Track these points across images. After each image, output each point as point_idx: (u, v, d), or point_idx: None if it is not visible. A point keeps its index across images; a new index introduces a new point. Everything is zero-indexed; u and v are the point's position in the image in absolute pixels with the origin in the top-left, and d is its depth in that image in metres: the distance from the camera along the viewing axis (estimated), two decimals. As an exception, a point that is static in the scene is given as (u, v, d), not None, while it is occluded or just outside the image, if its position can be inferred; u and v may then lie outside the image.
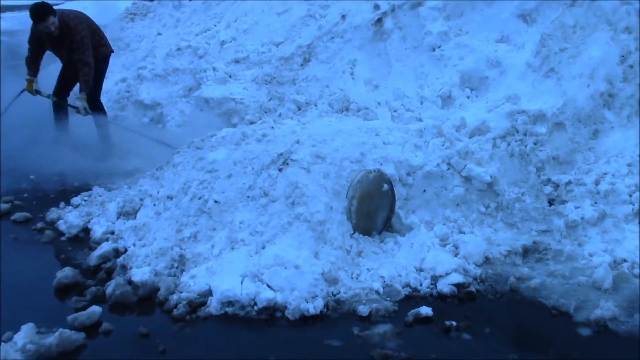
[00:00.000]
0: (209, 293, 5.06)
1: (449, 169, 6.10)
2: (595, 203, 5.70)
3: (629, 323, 4.57)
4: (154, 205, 6.16)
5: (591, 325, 4.58)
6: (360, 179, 5.72)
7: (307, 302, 4.89)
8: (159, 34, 11.20)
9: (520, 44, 7.27)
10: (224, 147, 6.35)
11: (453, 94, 7.22)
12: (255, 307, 4.91)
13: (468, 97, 7.24)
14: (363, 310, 4.85)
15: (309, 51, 8.72)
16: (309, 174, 5.78)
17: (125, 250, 5.78)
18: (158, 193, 6.24)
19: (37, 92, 8.13)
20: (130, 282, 5.26)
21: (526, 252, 5.52)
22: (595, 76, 6.41)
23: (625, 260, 5.19)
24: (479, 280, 5.21)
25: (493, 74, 7.21)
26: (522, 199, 5.88)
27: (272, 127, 6.54)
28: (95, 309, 4.88)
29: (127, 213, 6.33)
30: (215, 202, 5.73)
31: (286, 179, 5.74)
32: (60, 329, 4.54)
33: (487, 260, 5.45)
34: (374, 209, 5.78)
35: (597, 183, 5.81)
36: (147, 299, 5.19)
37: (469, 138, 6.42)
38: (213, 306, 4.93)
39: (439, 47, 7.74)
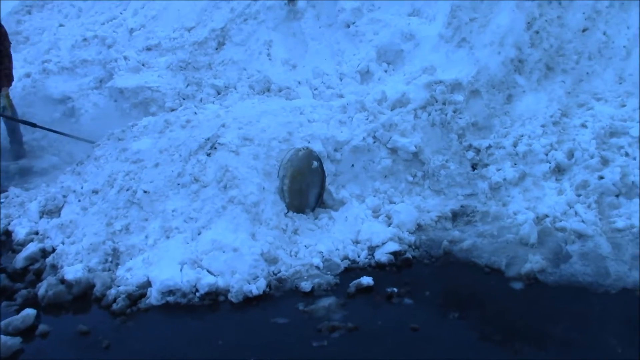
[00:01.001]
0: (148, 284, 4.97)
1: (374, 142, 6.23)
2: (515, 164, 5.98)
3: (556, 273, 4.85)
4: (79, 201, 5.96)
5: (522, 279, 4.84)
6: (290, 158, 5.75)
7: (249, 284, 4.90)
8: (61, 25, 10.74)
9: (432, 16, 7.46)
10: (147, 137, 6.21)
11: (371, 68, 7.34)
12: (197, 294, 4.87)
13: (386, 71, 7.38)
14: (305, 286, 4.90)
15: (222, 34, 8.61)
16: (238, 156, 5.76)
17: (53, 250, 5.58)
18: (82, 188, 6.05)
19: None
20: (63, 281, 5.09)
21: (455, 216, 5.73)
22: (504, 43, 6.69)
23: (547, 216, 5.48)
24: (413, 247, 5.38)
25: (408, 46, 7.37)
26: (447, 165, 6.09)
27: (195, 113, 6.45)
28: (29, 311, 4.70)
29: (50, 211, 6.09)
30: (145, 192, 5.61)
31: (216, 164, 5.69)
32: (-5, 336, 4.35)
33: (419, 227, 5.62)
34: (306, 187, 5.83)
35: (515, 145, 6.09)
36: (82, 297, 5.04)
37: (391, 111, 6.55)
38: (153, 297, 4.85)
39: (353, 23, 7.83)
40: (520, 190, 5.80)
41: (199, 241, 5.20)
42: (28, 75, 9.49)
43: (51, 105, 9.05)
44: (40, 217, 6.09)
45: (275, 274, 5.07)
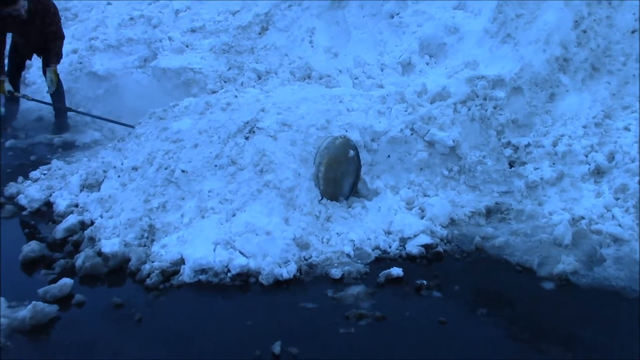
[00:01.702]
0: (182, 262, 5.07)
1: (412, 134, 6.22)
2: (554, 164, 5.91)
3: (589, 276, 4.81)
4: (119, 176, 6.09)
5: (554, 280, 4.79)
6: (327, 146, 5.78)
7: (280, 267, 4.96)
8: (109, 3, 10.89)
9: (477, 11, 7.39)
10: (187, 117, 6.30)
11: (413, 60, 7.32)
12: (229, 274, 4.95)
13: (427, 64, 7.35)
14: (336, 273, 4.95)
15: (266, 19, 8.68)
16: (275, 141, 5.81)
17: (92, 223, 5.72)
18: (122, 164, 6.17)
19: (10, 93, 7.94)
20: (100, 254, 5.22)
21: (489, 212, 5.71)
22: (550, 41, 6.59)
23: (582, 218, 5.42)
24: (445, 241, 5.37)
25: (451, 40, 7.32)
26: (484, 161, 6.05)
27: (236, 96, 6.51)
28: (67, 281, 4.83)
29: (90, 185, 6.24)
30: (183, 171, 5.70)
31: (253, 147, 5.75)
32: (33, 302, 4.49)
33: (452, 221, 5.61)
34: (341, 175, 5.86)
35: (554, 145, 6.02)
36: (117, 270, 5.16)
37: (431, 104, 6.53)
38: (186, 274, 4.94)
39: (397, 14, 7.81)
40: (557, 191, 5.74)
41: (233, 223, 5.28)
42: (75, 52, 9.68)
43: (96, 82, 9.25)
44: (81, 190, 6.24)
45: (306, 259, 5.12)
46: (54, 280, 4.93)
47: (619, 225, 5.30)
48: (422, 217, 5.61)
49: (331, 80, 7.27)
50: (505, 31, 6.89)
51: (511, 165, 6.06)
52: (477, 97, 6.43)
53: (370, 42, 7.90)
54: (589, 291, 4.66)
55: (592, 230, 5.27)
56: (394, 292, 4.75)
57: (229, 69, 8.24)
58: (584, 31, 6.56)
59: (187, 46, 8.82)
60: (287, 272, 4.92)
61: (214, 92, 7.29)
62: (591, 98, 6.31)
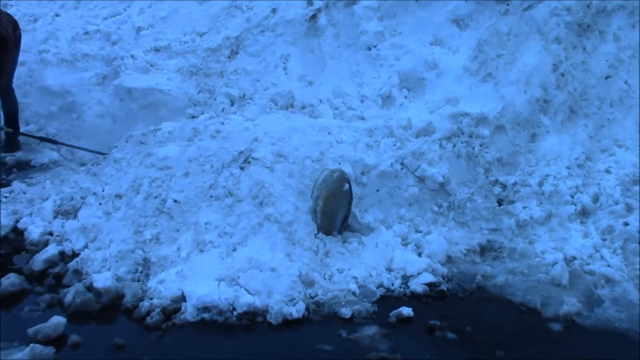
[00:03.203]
0: (182, 299, 4.83)
1: (402, 168, 6.22)
2: (541, 203, 6.06)
3: (592, 317, 4.93)
4: (100, 204, 5.76)
5: (560, 321, 4.88)
6: (325, 179, 5.69)
7: (288, 306, 4.80)
8: (57, 15, 10.37)
9: (455, 48, 7.52)
10: (174, 143, 6.05)
11: (393, 93, 7.35)
12: (235, 312, 4.75)
13: (406, 98, 7.39)
14: (345, 312, 4.84)
15: (237, 43, 8.50)
16: (272, 173, 5.68)
17: (74, 254, 5.38)
18: (103, 191, 5.84)
19: None
20: (90, 289, 4.88)
21: (483, 250, 5.77)
22: (531, 82, 6.80)
23: (574, 258, 5.56)
24: (446, 279, 5.38)
25: (430, 75, 7.41)
26: (473, 198, 6.13)
27: (222, 123, 6.32)
28: (60, 319, 4.50)
29: (66, 212, 5.87)
30: (175, 201, 5.46)
31: (250, 178, 5.59)
32: (31, 345, 4.14)
33: (449, 259, 5.63)
34: (335, 209, 5.78)
35: (540, 184, 6.18)
36: (110, 307, 4.86)
37: (416, 138, 6.57)
38: (189, 312, 4.71)
39: (375, 46, 7.83)
40: (547, 230, 5.88)
41: (235, 258, 5.09)
42: (23, 64, 9.10)
43: (48, 97, 8.72)
44: (55, 217, 5.86)
45: (312, 297, 4.99)
46: (42, 318, 4.58)
47: (609, 265, 5.47)
48: (419, 254, 5.59)
49: (314, 110, 7.18)
50: (486, 70, 7.05)
51: (500, 203, 6.17)
52: (463, 134, 6.52)
53: (347, 72, 7.88)
54: (595, 332, 4.77)
55: (585, 271, 5.41)
56: (407, 333, 4.70)
57: (199, 92, 7.98)
58: (562, 74, 6.81)
59: (151, 65, 8.49)
60: (296, 311, 4.78)
61: (193, 117, 7.06)
62: (571, 140, 6.54)
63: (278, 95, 7.31)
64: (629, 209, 5.83)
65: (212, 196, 5.47)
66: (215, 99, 7.86)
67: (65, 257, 5.38)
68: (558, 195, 6.05)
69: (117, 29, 9.33)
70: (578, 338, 4.70)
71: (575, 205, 5.98)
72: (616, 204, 5.88)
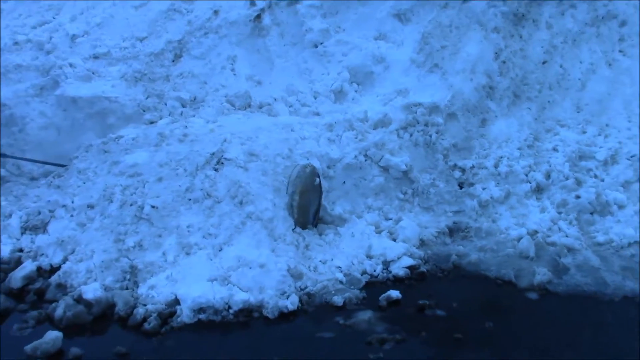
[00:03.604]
0: (176, 302, 4.85)
1: (366, 160, 6.44)
2: (499, 184, 6.43)
3: (563, 284, 5.32)
4: (71, 216, 5.66)
5: (535, 290, 5.24)
6: (299, 174, 5.82)
7: (282, 299, 4.90)
8: (-23, 24, 9.94)
9: (399, 42, 7.81)
10: (141, 150, 6.01)
11: (344, 88, 7.54)
12: (231, 311, 4.82)
13: (356, 91, 7.60)
14: (337, 300, 5.00)
15: (180, 47, 8.44)
16: (247, 172, 5.76)
17: (52, 268, 5.28)
18: (73, 202, 5.72)
19: None
20: (78, 301, 4.81)
21: (451, 232, 6.07)
22: (475, 71, 7.18)
23: (536, 232, 5.95)
24: (424, 261, 5.63)
25: (378, 69, 7.66)
26: (436, 184, 6.43)
27: (186, 127, 6.32)
28: (56, 334, 4.44)
29: (34, 227, 5.73)
30: (153, 207, 5.44)
31: (226, 179, 5.65)
32: (40, 364, 4.06)
33: (422, 242, 5.89)
34: (309, 203, 5.92)
35: (496, 166, 6.55)
36: (102, 317, 4.81)
37: (374, 130, 6.80)
38: (185, 315, 4.74)
39: (321, 43, 8.00)
40: (507, 208, 6.25)
41: (223, 257, 5.15)
42: (-52, 77, 8.69)
43: (-19, 110, 8.36)
44: (22, 233, 5.70)
45: (303, 289, 5.12)
46: (33, 335, 4.49)
47: (567, 236, 5.89)
48: (394, 240, 5.81)
49: (272, 109, 7.26)
50: (432, 61, 7.37)
51: (460, 186, 6.49)
52: (418, 123, 6.80)
53: (295, 70, 8.00)
54: (567, 297, 5.15)
55: (547, 243, 5.80)
56: (400, 314, 4.91)
57: (147, 97, 7.88)
58: (504, 62, 7.23)
59: (93, 73, 8.30)
60: (291, 303, 4.90)
61: (152, 122, 6.99)
62: (517, 122, 6.96)
63: (234, 96, 7.35)
64: (579, 182, 6.29)
65: (190, 199, 5.48)
66: (165, 104, 7.78)
67: (43, 272, 5.27)
68: (513, 175, 6.43)
69: (49, 37, 9.03)
70: (554, 304, 5.06)
71: (530, 183, 6.38)
72: (566, 179, 6.33)
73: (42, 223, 5.71)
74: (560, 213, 6.13)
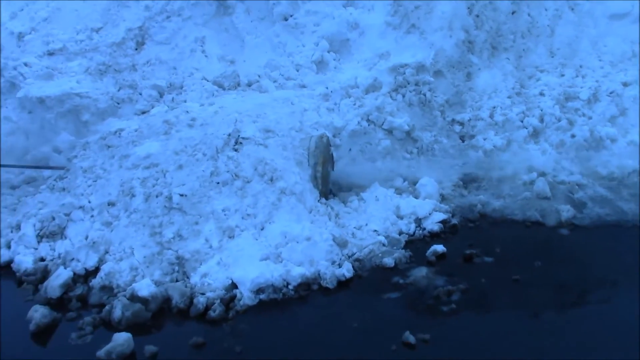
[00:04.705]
0: (234, 286, 4.78)
1: (369, 124, 6.48)
2: (497, 133, 6.65)
3: (586, 218, 5.64)
4: (92, 216, 5.39)
5: (564, 226, 5.53)
6: (317, 145, 5.80)
7: (337, 268, 4.92)
8: None
9: (369, 6, 7.84)
10: (150, 140, 5.80)
11: (325, 58, 7.51)
12: (290, 287, 4.79)
13: (335, 60, 7.60)
14: (389, 262, 5.08)
15: (141, 34, 8.11)
16: (267, 149, 5.69)
17: (87, 272, 5.04)
18: (90, 203, 5.46)
19: None
20: (132, 299, 4.64)
21: (465, 183, 6.24)
22: (453, 27, 7.34)
23: (544, 173, 6.22)
24: (452, 214, 5.77)
25: (354, 35, 7.68)
26: (439, 140, 6.59)
27: (187, 112, 6.14)
28: (127, 335, 4.29)
29: (52, 234, 5.43)
30: (182, 195, 5.27)
31: (250, 158, 5.56)
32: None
33: (442, 197, 6.03)
34: (327, 173, 5.94)
35: (491, 116, 6.76)
36: (159, 313, 4.67)
37: (366, 94, 6.85)
38: (247, 297, 4.68)
39: (291, 15, 7.91)
40: (510, 155, 6.48)
41: (268, 236, 5.10)
42: None
43: None
44: (39, 242, 5.40)
45: (351, 256, 5.15)
46: (95, 340, 4.31)
47: (572, 173, 6.20)
48: (417, 198, 5.92)
49: (261, 86, 7.14)
50: (409, 22, 7.46)
51: (462, 139, 6.67)
52: (409, 83, 6.91)
53: (268, 45, 7.89)
54: (595, 229, 5.48)
55: (557, 182, 6.09)
56: (452, 266, 5.05)
57: (119, 89, 7.56)
58: (477, 16, 7.43)
59: (52, 70, 7.86)
60: (347, 271, 4.93)
61: (144, 112, 6.74)
62: (501, 73, 7.21)
63: (222, 76, 7.19)
64: (571, 122, 6.61)
65: (218, 183, 5.35)
66: (141, 94, 7.51)
67: (78, 278, 5.02)
68: (510, 123, 6.67)
69: (-7, 38, 8.46)
70: (586, 236, 5.38)
71: (527, 128, 6.64)
72: (559, 120, 6.63)
73: (59, 228, 5.42)
74: (560, 153, 6.43)
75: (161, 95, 7.50)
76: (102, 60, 7.94)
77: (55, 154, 7.13)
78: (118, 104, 7.49)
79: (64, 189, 5.78)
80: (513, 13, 7.64)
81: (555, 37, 7.57)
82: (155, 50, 8.05)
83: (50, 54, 8.14)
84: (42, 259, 5.27)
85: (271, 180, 5.41)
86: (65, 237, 5.39)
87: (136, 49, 8.12)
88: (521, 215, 5.71)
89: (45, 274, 5.11)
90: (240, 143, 5.64)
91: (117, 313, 4.51)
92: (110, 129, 6.12)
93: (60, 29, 8.40)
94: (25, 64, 7.93)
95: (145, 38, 8.16)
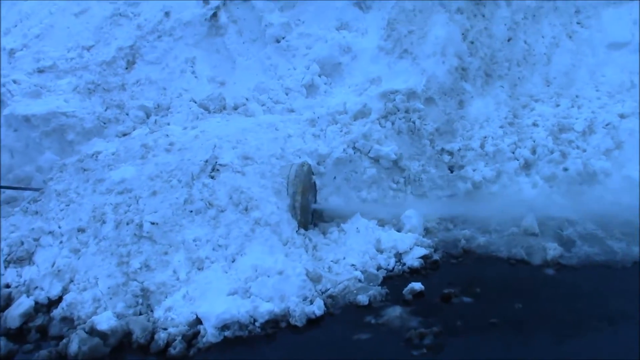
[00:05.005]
0: (198, 322, 4.58)
1: (355, 152, 6.31)
2: (487, 164, 6.45)
3: (574, 257, 5.40)
4: (61, 242, 5.24)
5: (550, 266, 5.30)
6: (297, 174, 5.64)
7: (307, 305, 4.73)
8: None
9: (363, 30, 7.70)
10: (126, 164, 5.66)
11: (315, 82, 7.37)
12: (257, 323, 4.60)
13: (325, 84, 7.45)
14: (363, 299, 4.89)
15: (132, 53, 8.01)
16: (245, 176, 5.53)
17: (50, 301, 4.87)
18: (60, 228, 5.31)
19: None
20: (91, 333, 4.47)
21: (452, 216, 6.03)
22: (446, 53, 7.17)
23: (533, 207, 5.99)
24: (434, 249, 5.57)
25: (346, 59, 7.54)
26: (427, 170, 6.39)
27: (167, 135, 6.00)
28: (79, 372, 4.08)
29: (19, 259, 5.27)
30: (152, 223, 5.11)
31: (225, 186, 5.40)
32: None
33: (427, 230, 5.83)
34: (308, 202, 5.76)
35: (482, 146, 6.57)
36: (118, 348, 4.48)
37: (354, 121, 6.68)
38: (210, 334, 4.49)
39: (283, 38, 7.78)
40: (500, 187, 6.27)
41: (238, 269, 4.93)
42: None
43: None
44: (6, 267, 5.25)
45: (324, 292, 4.96)
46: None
47: (563, 208, 5.97)
48: (399, 231, 5.73)
49: (247, 109, 7.00)
50: (402, 47, 7.31)
51: (451, 170, 6.47)
52: (399, 110, 6.73)
53: (259, 67, 7.76)
54: (582, 269, 5.24)
55: (546, 217, 5.86)
56: (428, 306, 4.84)
57: (106, 109, 7.44)
58: (472, 42, 7.26)
59: (41, 88, 7.77)
60: (318, 308, 4.74)
61: (125, 135, 6.60)
62: (494, 101, 7.02)
63: (207, 99, 7.05)
64: (564, 155, 6.39)
65: (191, 211, 5.19)
66: (127, 114, 7.38)
67: (40, 307, 4.86)
68: (501, 154, 6.47)
69: (-22, 54, 8.40)
70: (572, 277, 5.14)
71: (518, 159, 6.44)
72: (551, 152, 6.43)
73: (27, 254, 5.28)
74: (551, 187, 6.22)
75: (148, 116, 7.37)
76: (92, 78, 7.84)
77: (38, 173, 7.01)
78: (104, 123, 7.36)
79: (36, 212, 5.65)
80: (509, 40, 7.47)
81: (551, 65, 7.39)
82: (145, 70, 7.94)
83: (40, 71, 8.06)
84: (8, 286, 5.11)
85: (246, 209, 5.24)
86: (33, 263, 5.24)
87: (126, 68, 8.02)
88: (506, 252, 5.50)
89: (9, 301, 4.95)
90: (218, 170, 5.49)
91: (73, 347, 4.34)
92: (88, 152, 5.98)
93: (52, 46, 8.31)
94: (14, 81, 7.83)
95: (136, 57, 8.05)
